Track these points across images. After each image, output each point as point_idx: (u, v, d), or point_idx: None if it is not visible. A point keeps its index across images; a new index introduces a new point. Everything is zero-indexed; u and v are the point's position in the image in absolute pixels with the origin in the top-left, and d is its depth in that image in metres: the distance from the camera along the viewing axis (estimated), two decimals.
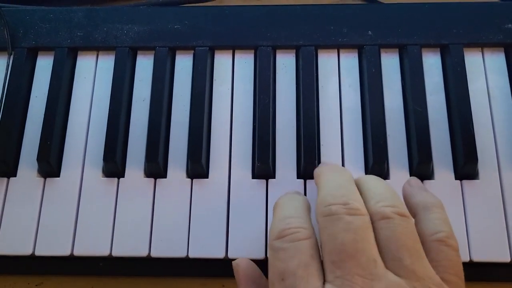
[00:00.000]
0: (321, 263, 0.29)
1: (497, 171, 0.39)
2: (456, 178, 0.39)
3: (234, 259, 0.37)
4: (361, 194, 0.32)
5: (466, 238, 0.37)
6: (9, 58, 0.43)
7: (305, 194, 0.39)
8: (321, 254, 0.29)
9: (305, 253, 0.29)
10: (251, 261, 0.34)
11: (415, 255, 0.28)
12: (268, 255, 0.30)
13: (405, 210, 0.30)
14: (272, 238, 0.30)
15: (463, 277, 0.30)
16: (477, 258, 0.36)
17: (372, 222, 0.29)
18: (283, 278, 0.28)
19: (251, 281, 0.33)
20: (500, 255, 0.36)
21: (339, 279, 0.27)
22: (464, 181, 0.39)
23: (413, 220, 0.31)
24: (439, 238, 0.30)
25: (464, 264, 0.36)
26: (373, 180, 0.33)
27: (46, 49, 0.44)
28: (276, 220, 0.31)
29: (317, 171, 0.35)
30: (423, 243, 0.29)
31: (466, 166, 0.38)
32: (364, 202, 0.31)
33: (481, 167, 0.39)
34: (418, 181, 0.36)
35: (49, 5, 0.48)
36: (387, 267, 0.28)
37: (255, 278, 0.33)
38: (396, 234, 0.29)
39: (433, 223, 0.31)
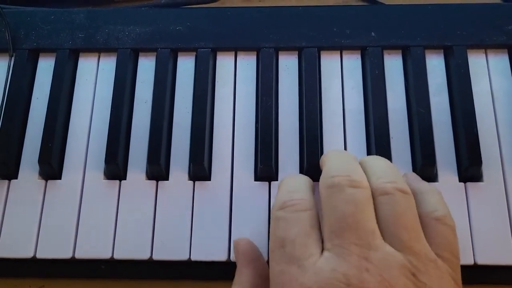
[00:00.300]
0: (321, 234, 0.30)
1: (501, 173, 0.39)
2: (460, 181, 0.39)
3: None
4: (365, 171, 0.33)
5: (470, 241, 0.37)
6: (10, 60, 0.43)
7: None
8: (321, 225, 0.30)
9: (305, 223, 0.30)
10: (251, 240, 0.35)
11: (412, 231, 0.29)
12: (270, 226, 0.31)
13: (406, 187, 0.31)
14: (274, 209, 0.31)
15: (458, 255, 0.30)
16: (481, 261, 0.36)
17: (374, 198, 0.30)
18: (282, 245, 0.29)
19: (250, 259, 0.34)
20: (504, 258, 0.36)
21: (337, 247, 0.28)
22: (468, 183, 0.38)
23: (413, 197, 0.31)
24: (436, 217, 0.31)
25: (468, 267, 0.36)
26: (376, 159, 0.34)
27: (48, 50, 0.44)
28: (280, 193, 0.33)
29: (323, 155, 0.36)
30: (421, 221, 0.30)
31: (470, 169, 0.38)
32: (367, 178, 0.32)
33: (485, 169, 0.39)
34: (415, 174, 0.37)
35: (51, 7, 0.47)
36: (385, 239, 0.28)
37: (254, 257, 0.34)
38: (396, 209, 0.29)
39: (431, 203, 0.32)
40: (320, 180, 0.32)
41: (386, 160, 0.34)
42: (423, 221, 0.30)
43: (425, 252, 0.28)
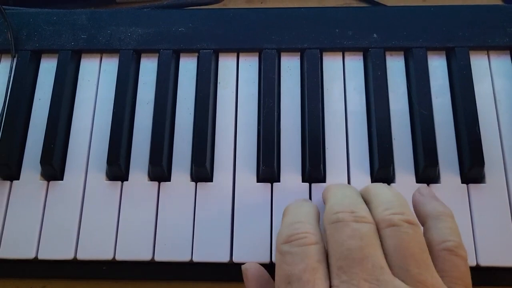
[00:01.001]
0: (328, 268, 0.29)
1: (504, 174, 0.39)
2: (462, 182, 0.39)
3: (238, 263, 0.37)
4: (369, 201, 0.32)
5: (473, 243, 0.37)
6: (12, 61, 0.43)
7: (310, 197, 0.38)
8: (328, 261, 0.29)
9: (312, 258, 0.29)
10: (260, 265, 0.34)
11: (422, 264, 0.28)
12: (275, 259, 0.30)
13: (413, 217, 0.30)
14: (280, 242, 0.30)
15: (470, 286, 0.29)
16: (484, 262, 0.36)
17: (379, 230, 0.29)
18: (289, 281, 0.28)
19: (260, 285, 0.33)
20: (507, 260, 0.36)
21: (345, 284, 0.27)
22: (470, 185, 0.38)
23: (422, 228, 0.31)
24: (447, 247, 0.29)
25: (471, 268, 0.35)
26: (381, 187, 0.33)
27: (50, 51, 0.44)
28: (284, 225, 0.31)
29: (325, 188, 0.36)
30: (431, 251, 0.29)
31: (472, 170, 0.38)
32: (372, 208, 0.31)
33: (488, 170, 0.39)
34: (429, 189, 0.35)
35: (53, 8, 0.48)
36: (394, 274, 0.27)
37: (263, 282, 0.33)
38: (403, 242, 0.28)
39: (442, 232, 0.30)
40: (324, 216, 0.31)
41: (391, 188, 0.33)
42: (434, 251, 0.29)
43: (437, 286, 0.27)
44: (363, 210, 0.30)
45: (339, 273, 0.28)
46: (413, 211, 0.33)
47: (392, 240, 0.29)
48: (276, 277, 0.29)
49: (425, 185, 0.37)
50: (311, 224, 0.31)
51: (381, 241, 0.29)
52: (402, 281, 0.27)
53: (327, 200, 0.33)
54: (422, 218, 0.32)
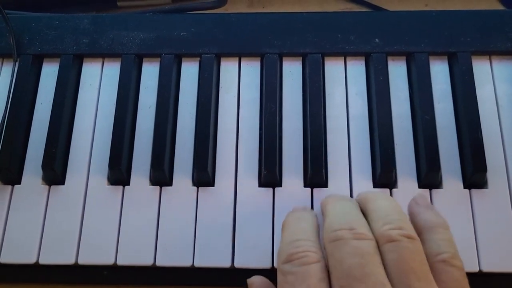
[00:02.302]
0: (330, 286, 0.29)
1: (506, 180, 0.38)
2: (464, 187, 0.38)
3: (240, 269, 0.37)
4: (368, 214, 0.32)
5: (475, 248, 0.36)
6: (14, 65, 0.43)
7: (311, 202, 0.38)
8: (330, 279, 0.29)
9: (314, 277, 0.29)
10: (265, 278, 0.34)
11: (423, 278, 0.28)
12: (277, 279, 0.30)
13: (412, 232, 0.30)
14: (280, 262, 0.30)
15: None
16: (486, 268, 0.36)
17: (379, 245, 0.29)
18: None
19: None
20: (510, 265, 0.36)
21: None
22: (472, 190, 0.38)
23: (419, 241, 0.31)
24: (443, 259, 0.30)
25: (474, 274, 0.36)
26: (380, 200, 0.33)
27: (52, 56, 0.44)
28: (284, 242, 0.31)
29: (323, 201, 0.35)
30: (428, 263, 0.29)
31: (475, 175, 0.38)
32: (371, 223, 0.31)
33: (490, 176, 0.38)
34: (424, 198, 0.35)
35: (55, 12, 0.48)
36: None
37: None
38: (403, 257, 0.28)
39: (437, 244, 0.30)
40: (323, 234, 0.31)
41: (389, 198, 0.33)
42: (430, 264, 0.29)
43: None
44: (362, 226, 0.30)
45: None
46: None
47: (392, 255, 0.29)
48: None
49: (422, 193, 0.36)
50: (311, 240, 0.31)
51: (381, 256, 0.29)
52: None
53: (325, 214, 0.33)
54: (417, 229, 0.32)
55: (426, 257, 0.29)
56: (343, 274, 0.28)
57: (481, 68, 0.42)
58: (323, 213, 0.34)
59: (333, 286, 0.28)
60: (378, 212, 0.31)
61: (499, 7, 0.51)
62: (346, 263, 0.28)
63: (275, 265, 0.36)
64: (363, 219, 0.31)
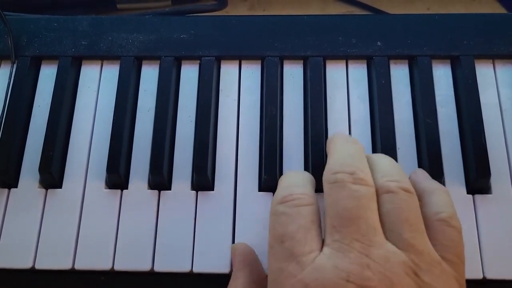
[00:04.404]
0: (322, 230, 0.29)
1: (510, 185, 0.38)
2: (468, 193, 0.38)
3: None
4: (369, 167, 0.32)
5: (479, 254, 0.36)
6: (12, 67, 0.43)
7: None
8: (323, 220, 0.30)
9: (306, 218, 0.29)
10: (248, 245, 0.35)
11: (415, 229, 0.28)
12: (269, 220, 0.31)
13: (409, 186, 0.30)
14: (274, 203, 0.31)
15: (463, 259, 0.30)
16: (490, 275, 0.35)
17: (377, 196, 0.30)
18: (282, 240, 0.29)
19: (246, 263, 0.34)
20: None
21: (337, 242, 0.28)
22: (476, 196, 0.38)
23: (416, 196, 0.31)
24: (441, 218, 0.30)
25: (477, 281, 0.35)
26: (381, 157, 0.34)
27: (50, 57, 0.44)
28: (280, 187, 0.32)
29: (330, 138, 0.36)
30: (426, 223, 0.30)
31: (478, 181, 0.37)
32: (371, 174, 0.31)
33: (494, 181, 0.38)
34: (424, 171, 0.36)
35: (54, 14, 0.47)
36: (387, 238, 0.28)
37: (250, 262, 0.34)
38: (399, 207, 0.29)
39: (436, 204, 0.31)
40: (324, 174, 0.31)
41: (391, 158, 0.34)
42: (428, 222, 0.30)
43: (428, 252, 0.28)
44: (364, 172, 0.30)
45: (332, 231, 0.28)
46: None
47: (388, 206, 0.29)
48: (269, 237, 0.30)
49: (422, 169, 0.37)
50: (306, 187, 0.31)
51: (378, 206, 0.29)
52: (394, 243, 0.28)
53: (329, 154, 0.33)
54: (418, 194, 0.32)
55: (425, 218, 0.30)
56: (337, 214, 0.28)
57: (484, 72, 0.42)
58: (328, 150, 0.34)
59: (325, 226, 0.29)
60: (380, 166, 0.32)
61: (502, 10, 0.51)
62: (341, 204, 0.28)
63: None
64: (366, 164, 0.31)
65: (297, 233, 0.29)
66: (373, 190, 0.30)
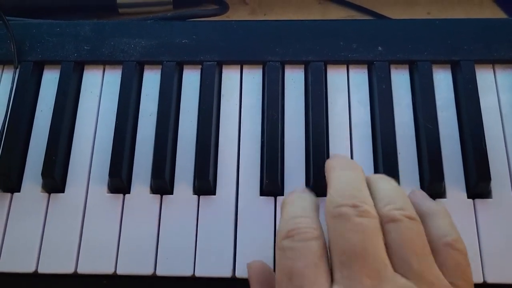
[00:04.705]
0: (329, 264, 0.28)
1: (511, 189, 0.38)
2: (468, 197, 0.38)
3: (241, 278, 0.36)
4: (370, 193, 0.31)
5: (480, 259, 0.36)
6: (15, 71, 0.43)
7: None
8: (329, 255, 0.29)
9: (313, 253, 0.28)
10: (264, 262, 0.34)
11: (423, 259, 0.28)
12: (275, 255, 0.30)
13: (413, 213, 0.30)
14: (280, 238, 0.30)
15: (472, 281, 0.29)
16: (491, 279, 0.36)
17: (381, 225, 0.29)
18: (290, 277, 0.28)
19: (262, 281, 0.33)
20: None
21: (346, 279, 0.27)
22: (476, 200, 0.38)
23: (421, 222, 0.30)
24: (446, 242, 0.30)
25: (478, 285, 0.35)
26: (383, 181, 0.33)
27: (53, 62, 0.44)
28: (284, 219, 0.31)
29: (328, 164, 0.34)
30: (432, 247, 0.29)
31: (479, 185, 0.37)
32: (373, 203, 0.30)
33: (494, 185, 0.38)
34: (422, 191, 0.36)
35: (56, 19, 0.47)
36: (395, 270, 0.27)
37: (266, 280, 0.33)
38: (405, 237, 0.28)
39: (440, 228, 0.31)
40: (326, 206, 0.30)
41: (392, 181, 0.33)
42: (433, 247, 0.29)
43: (439, 281, 0.27)
44: (366, 203, 0.29)
45: (341, 267, 0.27)
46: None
47: (394, 235, 0.28)
48: (277, 273, 0.29)
49: (420, 190, 0.36)
50: (311, 218, 0.30)
51: (383, 236, 0.29)
52: (404, 275, 0.27)
53: (329, 184, 0.32)
54: (419, 217, 0.31)
55: (430, 242, 0.29)
56: (343, 249, 0.28)
57: (484, 77, 0.42)
58: (327, 177, 0.33)
59: (333, 262, 0.28)
60: (382, 192, 0.31)
61: (502, 15, 0.51)
62: (347, 240, 0.28)
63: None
64: (368, 193, 0.31)
65: (306, 269, 0.28)
66: (377, 221, 0.29)
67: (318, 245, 0.29)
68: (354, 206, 0.29)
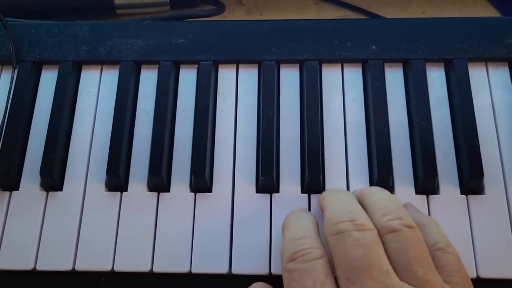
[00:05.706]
0: (336, 280, 0.29)
1: (503, 185, 0.38)
2: (461, 193, 0.38)
3: (237, 275, 0.37)
4: (366, 207, 0.32)
5: (473, 254, 0.36)
6: (13, 72, 0.44)
7: (309, 208, 0.38)
8: (334, 272, 0.29)
9: (319, 272, 0.29)
10: (267, 285, 0.34)
11: (426, 265, 0.29)
12: (283, 278, 0.30)
13: (410, 220, 0.31)
14: (285, 261, 0.30)
15: (469, 278, 0.30)
16: (484, 274, 0.36)
17: (380, 236, 0.30)
18: None
19: None
20: (507, 271, 0.36)
21: None
22: (470, 196, 0.38)
23: (418, 229, 0.31)
24: (439, 247, 0.31)
25: (471, 280, 0.35)
26: (377, 192, 0.34)
27: (51, 62, 0.44)
28: (286, 242, 0.32)
29: (321, 195, 0.36)
30: None
31: (472, 181, 0.38)
32: (370, 216, 0.31)
33: (487, 182, 0.38)
34: (412, 205, 0.37)
35: (54, 20, 0.48)
36: (400, 278, 0.28)
37: None
38: (406, 245, 0.29)
39: (432, 237, 0.32)
40: (325, 227, 0.31)
41: (386, 191, 0.34)
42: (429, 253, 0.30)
43: (441, 285, 0.28)
44: (362, 217, 0.30)
45: (347, 283, 0.28)
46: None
47: (395, 245, 0.29)
48: None
49: (408, 202, 0.37)
50: (313, 237, 0.31)
51: (383, 247, 0.29)
52: (409, 283, 0.28)
53: (325, 209, 0.33)
54: None
55: None
56: (347, 266, 0.28)
57: (477, 75, 0.42)
58: (322, 207, 0.34)
59: (339, 279, 0.29)
60: (376, 204, 0.32)
61: (495, 14, 0.51)
62: (350, 255, 0.28)
63: (272, 271, 0.36)
64: (362, 209, 0.32)
65: None
66: (376, 233, 0.30)
67: (322, 263, 0.29)
68: (351, 221, 0.30)
